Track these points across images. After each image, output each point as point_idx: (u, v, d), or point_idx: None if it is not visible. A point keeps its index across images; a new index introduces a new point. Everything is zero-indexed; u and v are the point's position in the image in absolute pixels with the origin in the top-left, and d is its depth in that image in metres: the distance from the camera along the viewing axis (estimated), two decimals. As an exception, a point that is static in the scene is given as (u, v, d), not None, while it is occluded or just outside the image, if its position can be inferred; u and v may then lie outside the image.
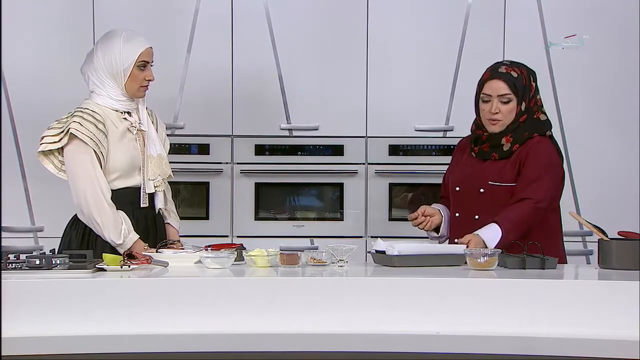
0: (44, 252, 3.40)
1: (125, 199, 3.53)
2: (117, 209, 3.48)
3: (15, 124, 4.79)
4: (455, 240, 3.49)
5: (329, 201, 4.93)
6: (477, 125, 3.67)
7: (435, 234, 3.69)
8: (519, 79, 3.56)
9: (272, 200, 4.91)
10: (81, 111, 3.48)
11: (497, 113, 3.55)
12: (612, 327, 2.77)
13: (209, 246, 3.38)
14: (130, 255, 3.14)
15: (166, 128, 3.83)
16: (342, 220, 4.91)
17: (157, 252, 3.31)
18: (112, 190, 3.48)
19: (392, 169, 4.90)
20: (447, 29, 4.89)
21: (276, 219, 4.91)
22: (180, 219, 3.81)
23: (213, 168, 4.87)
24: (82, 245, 3.49)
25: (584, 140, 4.87)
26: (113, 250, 3.41)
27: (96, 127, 3.45)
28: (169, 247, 3.40)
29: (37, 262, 3.01)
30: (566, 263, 3.63)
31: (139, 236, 3.48)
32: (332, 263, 3.21)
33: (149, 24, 4.71)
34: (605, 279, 3.09)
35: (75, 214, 3.54)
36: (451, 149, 3.89)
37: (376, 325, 2.82)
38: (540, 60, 4.78)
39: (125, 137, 3.54)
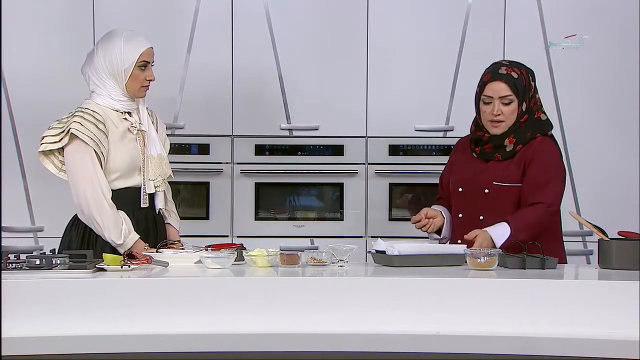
0: (44, 252, 3.40)
1: (126, 199, 3.53)
2: (117, 209, 3.48)
3: (15, 124, 4.79)
4: (459, 241, 3.49)
5: (329, 201, 4.93)
6: (477, 126, 3.67)
7: (437, 236, 3.69)
8: (519, 80, 3.56)
9: (272, 200, 4.91)
10: (82, 111, 3.48)
11: (499, 115, 3.55)
12: (612, 327, 2.77)
13: (209, 246, 3.38)
14: (130, 255, 3.14)
15: (166, 128, 3.83)
16: (342, 220, 4.91)
17: (157, 252, 3.32)
18: (112, 191, 3.49)
19: (392, 169, 4.90)
20: (447, 29, 4.89)
21: (276, 219, 4.91)
22: (181, 219, 3.81)
23: (213, 168, 4.87)
24: (82, 245, 3.49)
25: (584, 140, 4.87)
26: (113, 250, 3.41)
27: (97, 127, 3.45)
28: (169, 247, 3.40)
29: (37, 262, 3.02)
30: (566, 263, 3.63)
31: (139, 236, 3.48)
32: (332, 263, 3.21)
33: (149, 24, 4.71)
34: (605, 279, 3.09)
35: (76, 214, 3.54)
36: (451, 149, 3.89)
37: (376, 325, 2.82)
38: (540, 60, 4.78)
39: (126, 137, 3.54)
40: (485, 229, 3.44)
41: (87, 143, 3.43)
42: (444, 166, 3.84)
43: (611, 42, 4.86)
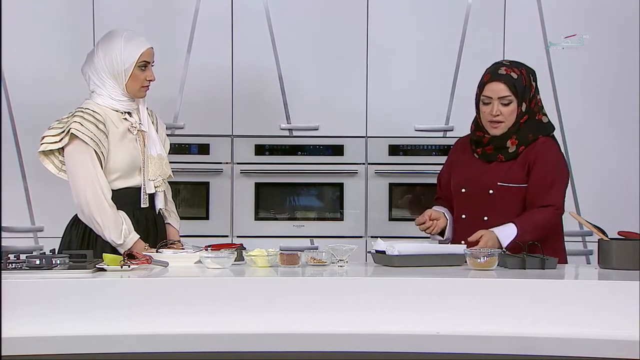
0: (44, 252, 3.40)
1: (126, 199, 3.53)
2: (117, 209, 3.48)
3: (15, 124, 4.79)
4: (462, 241, 3.48)
5: (329, 201, 4.93)
6: (477, 126, 3.66)
7: (440, 237, 3.69)
8: (519, 80, 3.56)
9: (272, 200, 4.91)
10: (82, 111, 3.48)
11: (498, 115, 3.55)
12: (612, 327, 2.77)
13: (209, 246, 3.38)
14: (130, 255, 3.14)
15: (166, 128, 3.83)
16: (342, 220, 4.91)
17: (157, 252, 3.32)
18: (112, 191, 3.49)
19: (392, 169, 4.90)
20: (447, 29, 4.89)
21: (276, 219, 4.91)
22: (180, 219, 3.81)
23: (213, 168, 4.87)
24: (82, 245, 3.49)
25: (584, 140, 4.87)
26: (113, 250, 3.41)
27: (97, 127, 3.45)
28: (169, 247, 3.40)
29: (37, 262, 3.01)
30: (566, 263, 3.63)
31: (139, 236, 3.48)
32: (332, 263, 3.21)
33: (149, 24, 4.71)
34: (605, 279, 3.09)
35: (76, 214, 3.54)
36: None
37: (376, 325, 2.82)
38: (540, 60, 4.78)
39: (126, 138, 3.54)
40: (491, 229, 3.43)
41: (87, 143, 3.43)
42: (442, 166, 3.84)
43: (611, 42, 4.86)
